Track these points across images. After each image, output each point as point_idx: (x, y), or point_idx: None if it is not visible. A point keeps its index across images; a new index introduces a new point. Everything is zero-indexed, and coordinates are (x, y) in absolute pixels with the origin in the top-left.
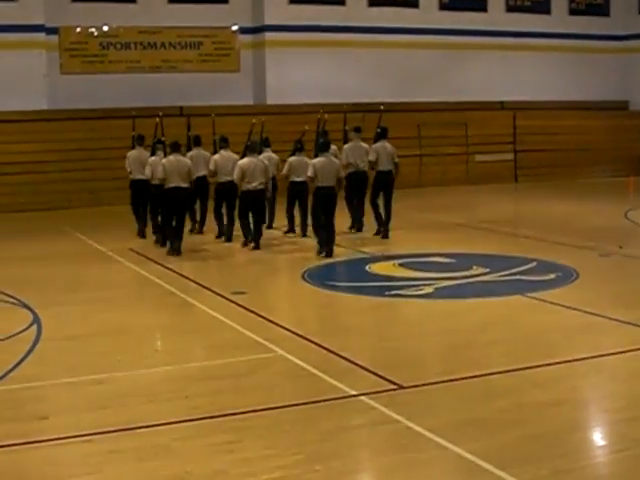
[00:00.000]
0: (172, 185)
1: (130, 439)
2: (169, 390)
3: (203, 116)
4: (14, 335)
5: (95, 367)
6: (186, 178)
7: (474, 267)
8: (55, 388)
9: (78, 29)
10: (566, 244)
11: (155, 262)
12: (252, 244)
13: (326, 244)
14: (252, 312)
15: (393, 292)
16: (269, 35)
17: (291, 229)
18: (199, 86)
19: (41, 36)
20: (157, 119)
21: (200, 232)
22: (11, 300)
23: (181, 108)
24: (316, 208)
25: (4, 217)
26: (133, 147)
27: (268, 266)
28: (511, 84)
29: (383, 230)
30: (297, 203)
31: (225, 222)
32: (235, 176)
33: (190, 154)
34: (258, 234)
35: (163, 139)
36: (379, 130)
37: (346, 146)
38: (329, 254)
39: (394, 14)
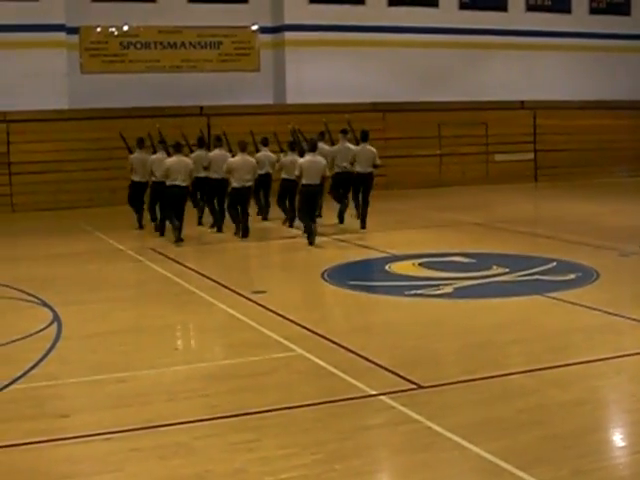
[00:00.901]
0: (174, 183)
1: (151, 437)
2: (189, 389)
3: (223, 115)
4: (35, 333)
5: (115, 365)
6: (187, 177)
7: (494, 267)
8: (76, 386)
9: (98, 29)
10: (586, 244)
11: (175, 261)
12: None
13: (310, 233)
14: (272, 311)
15: (413, 292)
16: (289, 35)
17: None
18: (219, 86)
19: (62, 36)
20: (157, 125)
21: (219, 230)
22: (31, 299)
23: (201, 108)
24: (301, 203)
25: (25, 216)
26: (136, 149)
27: (288, 265)
28: (531, 84)
29: (361, 218)
30: (287, 198)
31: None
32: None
33: (212, 154)
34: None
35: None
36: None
37: (333, 148)
38: (311, 240)
39: (414, 13)
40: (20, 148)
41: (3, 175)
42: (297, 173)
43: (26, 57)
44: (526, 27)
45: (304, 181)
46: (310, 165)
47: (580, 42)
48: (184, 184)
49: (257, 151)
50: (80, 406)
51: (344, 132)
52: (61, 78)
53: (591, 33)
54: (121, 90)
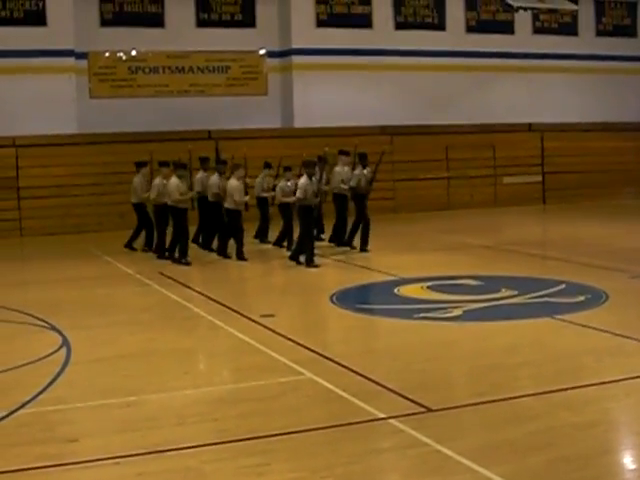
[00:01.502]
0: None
1: (159, 462)
2: (198, 413)
3: (232, 139)
4: (44, 358)
5: (124, 389)
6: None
7: (503, 289)
8: (85, 410)
9: (107, 54)
10: (595, 266)
11: (184, 285)
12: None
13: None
14: (281, 335)
15: (421, 315)
16: (296, 58)
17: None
18: (227, 110)
19: (70, 61)
20: (189, 147)
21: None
22: (40, 323)
23: (209, 132)
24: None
25: (34, 240)
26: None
27: (296, 288)
28: (539, 106)
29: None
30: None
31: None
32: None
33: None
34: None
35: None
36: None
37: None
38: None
39: (421, 37)
40: (29, 173)
41: (12, 200)
42: (300, 195)
43: (35, 82)
44: (533, 50)
45: (304, 202)
46: (307, 187)
47: (587, 64)
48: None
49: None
50: (89, 430)
51: (344, 153)
52: (70, 103)
53: (598, 55)
54: (129, 115)
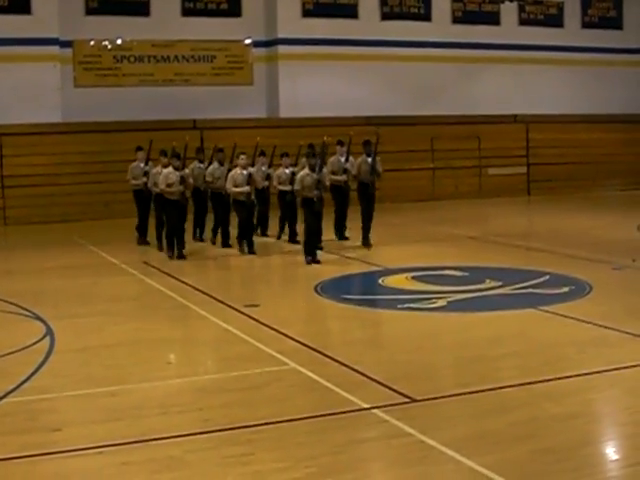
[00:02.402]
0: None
1: (143, 451)
2: (182, 402)
3: (217, 129)
4: (27, 347)
5: (108, 379)
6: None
7: (487, 280)
8: (68, 400)
9: (92, 42)
10: (579, 257)
11: (168, 274)
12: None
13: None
14: (265, 325)
15: (406, 305)
16: (282, 48)
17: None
18: (212, 99)
19: (55, 49)
20: (187, 138)
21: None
22: (24, 312)
23: (194, 121)
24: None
25: (19, 229)
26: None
27: (281, 279)
28: (524, 97)
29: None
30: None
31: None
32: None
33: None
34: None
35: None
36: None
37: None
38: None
39: (407, 28)
40: (13, 162)
41: None
42: (297, 187)
43: (20, 71)
44: (519, 41)
45: (304, 194)
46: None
47: (572, 56)
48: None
49: (252, 165)
50: (72, 420)
51: (338, 143)
52: (55, 91)
53: (583, 47)
54: (114, 104)
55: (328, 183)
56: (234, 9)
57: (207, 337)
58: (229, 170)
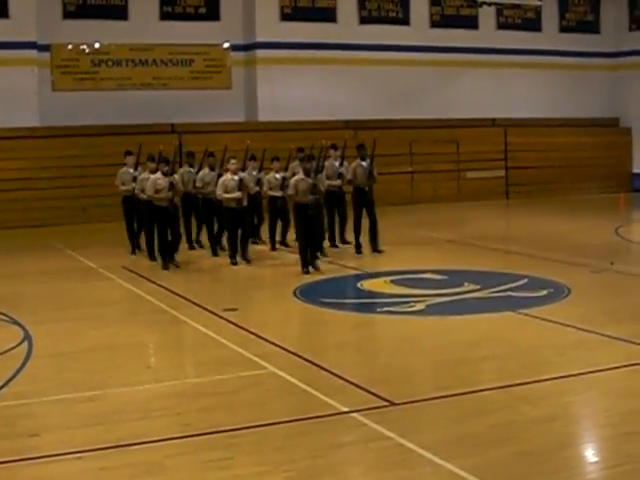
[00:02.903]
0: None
1: (122, 456)
2: (161, 407)
3: (195, 133)
4: (5, 352)
5: (87, 384)
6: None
7: (465, 284)
8: (46, 405)
9: (70, 46)
10: (558, 260)
11: (147, 279)
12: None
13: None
14: (244, 329)
15: (385, 309)
16: (260, 52)
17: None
18: (190, 103)
19: (33, 53)
20: (175, 142)
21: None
22: (2, 317)
23: (172, 125)
24: (297, 222)
25: None
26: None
27: (260, 283)
28: (502, 101)
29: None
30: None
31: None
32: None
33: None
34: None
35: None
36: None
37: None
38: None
39: (385, 31)
40: None
41: None
42: (291, 192)
43: None
44: (497, 45)
45: (297, 199)
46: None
47: (550, 60)
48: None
49: (243, 170)
50: (51, 425)
51: (331, 147)
52: (32, 96)
53: (561, 51)
54: (92, 108)
55: (324, 188)
56: (212, 13)
57: (186, 341)
58: (219, 175)
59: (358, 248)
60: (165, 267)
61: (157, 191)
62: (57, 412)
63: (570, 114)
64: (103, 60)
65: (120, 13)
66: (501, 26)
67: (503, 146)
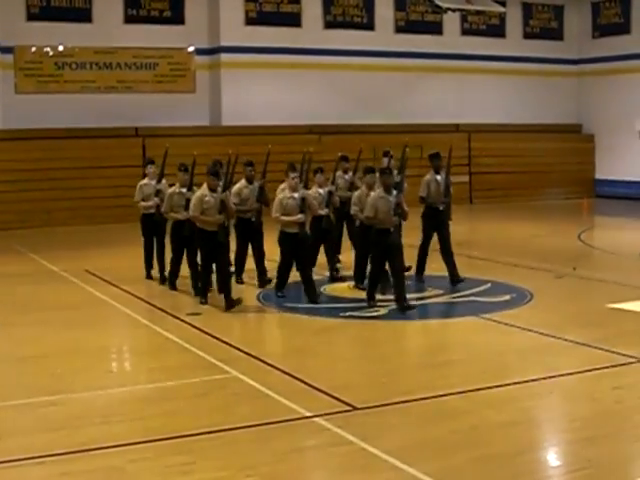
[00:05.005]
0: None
1: (84, 461)
2: (123, 412)
3: (159, 137)
4: None
5: (48, 388)
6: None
7: (429, 289)
8: (7, 410)
9: (33, 48)
10: (521, 266)
11: (110, 283)
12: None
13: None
14: (207, 333)
15: (348, 313)
16: (225, 56)
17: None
18: (155, 107)
19: None
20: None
21: None
22: None
23: (136, 129)
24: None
25: None
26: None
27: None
28: (466, 107)
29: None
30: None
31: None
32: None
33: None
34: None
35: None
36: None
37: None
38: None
39: (350, 36)
40: None
41: None
42: (369, 214)
43: None
44: (461, 51)
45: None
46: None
47: (514, 66)
48: None
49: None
50: (11, 430)
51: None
52: None
53: (525, 57)
54: (56, 110)
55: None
56: (177, 17)
57: (149, 346)
58: (261, 189)
59: (420, 273)
60: (204, 302)
61: (204, 212)
62: (18, 417)
63: (534, 120)
64: (67, 63)
65: (84, 16)
66: (465, 32)
67: (467, 151)
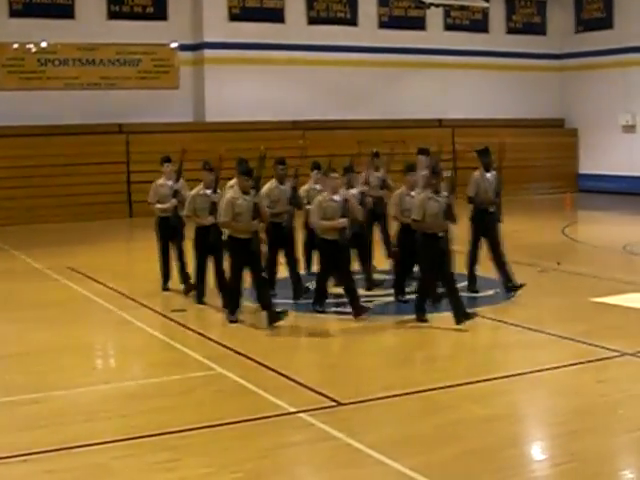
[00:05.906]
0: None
1: (67, 459)
2: (107, 409)
3: (142, 133)
4: None
5: (31, 386)
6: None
7: (413, 284)
8: None
9: (15, 45)
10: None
11: (94, 280)
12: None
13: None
14: (192, 330)
15: (332, 309)
16: (208, 52)
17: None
18: (138, 103)
19: None
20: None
21: None
22: None
23: (120, 126)
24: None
25: None
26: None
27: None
28: (449, 102)
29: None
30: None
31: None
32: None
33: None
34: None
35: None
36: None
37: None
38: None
39: (333, 32)
40: None
41: None
42: (417, 217)
43: None
44: (444, 46)
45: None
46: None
47: (497, 61)
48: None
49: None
50: None
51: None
52: None
53: (508, 52)
54: (38, 107)
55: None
56: (160, 13)
57: (133, 343)
58: (294, 189)
59: (472, 283)
60: (232, 320)
61: (235, 217)
62: (1, 415)
63: (517, 115)
64: (50, 59)
65: (67, 12)
66: (449, 27)
67: (451, 147)
